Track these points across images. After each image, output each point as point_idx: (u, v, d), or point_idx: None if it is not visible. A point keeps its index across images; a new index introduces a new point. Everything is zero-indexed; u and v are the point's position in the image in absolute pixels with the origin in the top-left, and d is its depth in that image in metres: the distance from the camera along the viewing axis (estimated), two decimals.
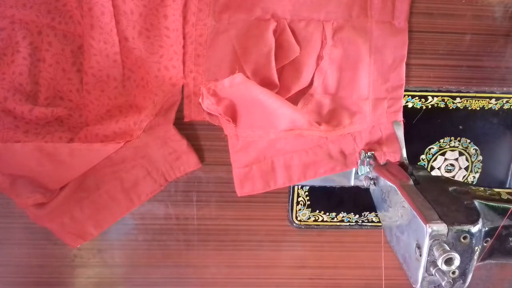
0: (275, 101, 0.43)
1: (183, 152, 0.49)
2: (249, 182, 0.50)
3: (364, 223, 0.55)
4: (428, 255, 0.33)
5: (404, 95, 0.50)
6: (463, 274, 0.34)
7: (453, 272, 0.34)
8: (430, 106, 0.51)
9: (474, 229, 0.34)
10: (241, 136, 0.47)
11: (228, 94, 0.42)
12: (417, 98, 0.50)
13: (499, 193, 0.39)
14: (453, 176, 0.54)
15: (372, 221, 0.55)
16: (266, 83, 0.47)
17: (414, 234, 0.36)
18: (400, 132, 0.48)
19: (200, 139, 0.51)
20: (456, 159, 0.53)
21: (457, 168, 0.53)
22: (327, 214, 0.54)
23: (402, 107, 0.50)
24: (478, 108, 0.51)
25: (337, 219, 0.54)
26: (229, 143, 0.49)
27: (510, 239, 0.37)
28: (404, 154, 0.47)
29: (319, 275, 0.56)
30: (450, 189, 0.40)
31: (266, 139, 0.48)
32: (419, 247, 0.34)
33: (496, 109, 0.51)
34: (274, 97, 0.43)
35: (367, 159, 0.49)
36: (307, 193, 0.53)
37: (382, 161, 0.50)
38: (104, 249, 0.53)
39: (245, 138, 0.47)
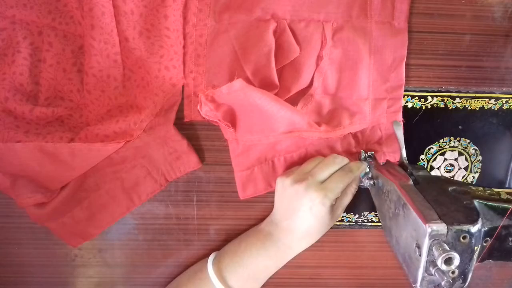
0: (274, 105, 0.43)
1: (184, 152, 0.49)
2: (251, 184, 0.50)
3: (364, 223, 0.55)
4: (428, 254, 0.33)
5: (404, 95, 0.50)
6: (462, 273, 0.35)
7: (453, 272, 0.34)
8: (429, 106, 0.51)
9: (474, 229, 0.34)
10: (241, 140, 0.47)
11: (227, 100, 0.42)
12: (416, 98, 0.51)
13: (498, 193, 0.39)
14: (453, 176, 0.54)
15: (372, 221, 0.55)
16: (266, 84, 0.47)
17: (413, 234, 0.36)
18: (400, 132, 0.48)
19: (200, 139, 0.51)
20: (456, 159, 0.53)
21: (456, 168, 0.53)
22: None
23: (401, 107, 0.50)
24: (477, 108, 0.51)
25: None
26: (229, 147, 0.49)
27: (510, 239, 0.37)
28: (404, 154, 0.47)
29: (319, 274, 0.56)
30: (450, 189, 0.40)
31: (266, 142, 0.48)
32: (418, 246, 0.34)
33: (496, 109, 0.51)
34: (273, 100, 0.43)
35: (367, 159, 0.49)
36: None
37: (381, 161, 0.50)
38: (104, 248, 0.53)
39: (245, 142, 0.48)
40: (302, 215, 0.45)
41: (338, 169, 0.47)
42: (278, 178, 0.48)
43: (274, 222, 0.49)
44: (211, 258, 0.49)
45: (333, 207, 0.45)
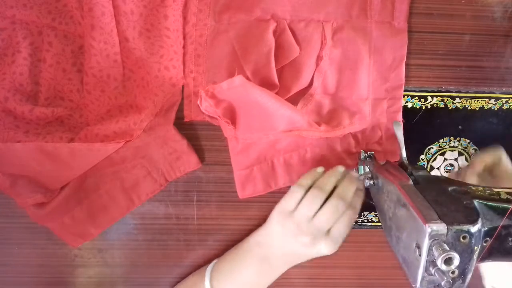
0: (274, 103, 0.43)
1: (183, 152, 0.49)
2: (250, 184, 0.50)
3: (364, 223, 0.55)
4: (428, 254, 0.33)
5: (404, 95, 0.50)
6: (462, 273, 0.35)
7: (453, 272, 0.34)
8: (429, 106, 0.51)
9: (474, 229, 0.34)
10: (240, 138, 0.47)
11: (227, 97, 0.42)
12: (416, 98, 0.50)
13: (498, 193, 0.39)
14: None
15: (372, 221, 0.55)
16: (266, 84, 0.47)
17: (413, 234, 0.36)
18: (400, 132, 0.48)
19: (200, 139, 0.51)
20: (456, 159, 0.53)
21: (456, 168, 0.53)
22: None
23: (401, 107, 0.50)
24: (477, 108, 0.51)
25: None
26: (229, 145, 0.49)
27: (510, 238, 0.37)
28: (404, 154, 0.47)
29: (318, 274, 0.56)
30: (450, 189, 0.40)
31: (266, 140, 0.48)
32: (418, 247, 0.34)
33: (496, 109, 0.51)
34: (273, 98, 0.43)
35: (367, 159, 0.49)
36: None
37: (381, 161, 0.50)
38: (104, 248, 0.53)
39: (245, 140, 0.48)
40: (307, 258, 0.46)
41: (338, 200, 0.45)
42: (275, 214, 0.46)
43: (269, 244, 0.47)
44: (207, 279, 0.48)
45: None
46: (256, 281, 0.48)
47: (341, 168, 0.46)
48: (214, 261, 0.51)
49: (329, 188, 0.45)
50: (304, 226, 0.43)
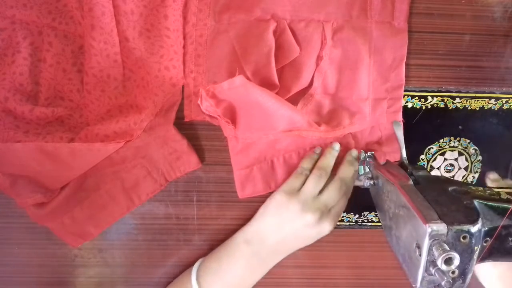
0: (275, 103, 0.43)
1: (184, 152, 0.49)
2: (250, 183, 0.50)
3: (364, 223, 0.55)
4: (428, 254, 0.33)
5: (404, 95, 0.50)
6: (462, 273, 0.35)
7: (453, 272, 0.34)
8: (429, 106, 0.51)
9: (474, 229, 0.34)
10: (240, 137, 0.47)
11: (227, 96, 0.42)
12: (416, 98, 0.51)
13: (498, 193, 0.39)
14: (453, 176, 0.54)
15: (372, 221, 0.55)
16: (266, 84, 0.47)
17: (413, 234, 0.36)
18: (400, 132, 0.48)
19: (200, 139, 0.51)
20: (456, 159, 0.53)
21: (456, 168, 0.53)
22: None
23: (401, 107, 0.50)
24: (477, 108, 0.51)
25: None
26: (229, 145, 0.49)
27: (510, 238, 0.37)
28: (404, 154, 0.47)
29: (318, 274, 0.56)
30: (450, 189, 0.40)
31: (266, 140, 0.48)
32: (418, 247, 0.34)
33: (496, 109, 0.51)
34: (274, 98, 0.43)
35: (367, 159, 0.49)
36: None
37: (381, 161, 0.50)
38: (104, 248, 0.53)
39: (245, 140, 0.48)
40: (305, 241, 0.47)
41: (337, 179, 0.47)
42: (278, 195, 0.47)
43: (260, 239, 0.48)
44: (193, 277, 0.49)
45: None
46: (245, 277, 0.48)
47: (336, 146, 0.49)
48: (200, 260, 0.51)
49: (330, 168, 0.48)
50: (311, 203, 0.45)
